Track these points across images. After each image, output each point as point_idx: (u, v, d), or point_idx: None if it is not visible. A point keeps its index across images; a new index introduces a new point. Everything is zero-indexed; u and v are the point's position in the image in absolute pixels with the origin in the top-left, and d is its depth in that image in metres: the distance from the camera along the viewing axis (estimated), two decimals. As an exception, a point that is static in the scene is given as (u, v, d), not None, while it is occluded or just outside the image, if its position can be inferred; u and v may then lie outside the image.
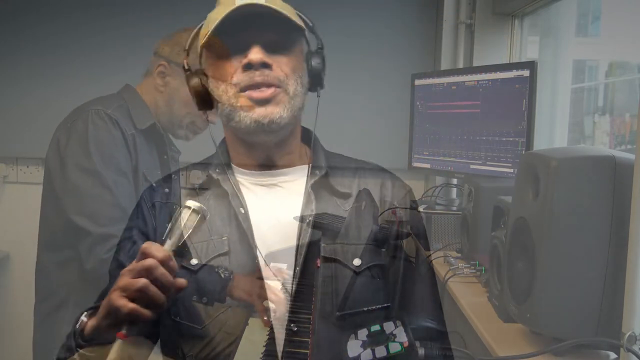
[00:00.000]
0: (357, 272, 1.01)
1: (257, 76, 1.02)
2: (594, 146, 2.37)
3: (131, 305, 0.86)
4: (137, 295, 0.86)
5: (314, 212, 1.05)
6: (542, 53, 2.33)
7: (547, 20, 2.27)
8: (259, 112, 1.01)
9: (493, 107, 1.91)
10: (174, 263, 0.88)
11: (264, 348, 0.98)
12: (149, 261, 0.87)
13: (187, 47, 1.12)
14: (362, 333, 0.98)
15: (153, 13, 2.33)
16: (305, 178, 1.08)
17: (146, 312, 0.87)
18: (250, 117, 1.01)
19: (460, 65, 2.30)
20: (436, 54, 2.42)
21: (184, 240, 0.91)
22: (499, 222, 1.43)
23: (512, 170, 1.81)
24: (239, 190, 1.07)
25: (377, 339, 0.98)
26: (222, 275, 1.05)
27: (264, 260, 1.02)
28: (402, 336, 0.98)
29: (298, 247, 1.02)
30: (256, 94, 1.02)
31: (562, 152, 1.23)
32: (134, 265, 0.89)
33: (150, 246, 0.89)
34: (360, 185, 1.09)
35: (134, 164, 1.68)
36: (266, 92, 1.02)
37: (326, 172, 1.07)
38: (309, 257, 1.02)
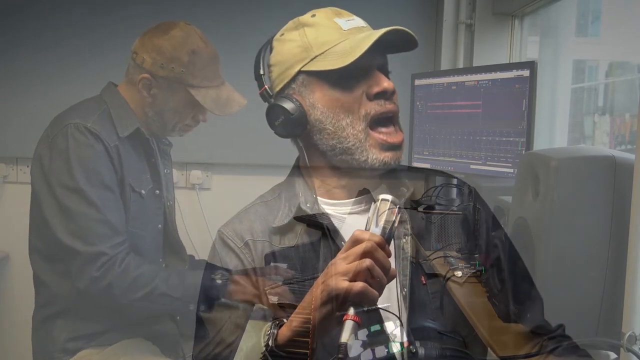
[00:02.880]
0: (460, 283, 1.01)
1: (389, 105, 1.02)
2: (594, 146, 2.37)
3: (361, 284, 0.83)
4: (362, 277, 0.84)
5: (409, 230, 1.04)
6: (542, 53, 2.33)
7: (547, 20, 2.27)
8: (390, 156, 1.01)
9: (493, 107, 1.91)
10: (388, 248, 0.87)
11: (264, 348, 0.98)
12: (369, 244, 0.85)
13: (262, 72, 1.08)
14: (362, 333, 0.98)
15: (152, 13, 2.33)
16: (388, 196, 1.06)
17: (375, 292, 0.85)
18: (380, 161, 1.00)
19: (460, 65, 2.30)
20: (436, 54, 2.42)
21: (390, 229, 0.89)
22: (499, 222, 1.43)
23: (512, 170, 1.81)
24: (333, 225, 1.04)
25: (377, 339, 0.98)
26: (220, 280, 1.05)
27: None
28: (402, 336, 0.98)
29: (401, 265, 1.01)
30: (392, 139, 1.01)
31: (562, 152, 1.23)
32: (349, 251, 0.86)
33: (363, 232, 0.87)
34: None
35: (119, 176, 1.64)
36: (399, 137, 1.02)
37: (413, 189, 1.09)
38: (414, 275, 1.01)
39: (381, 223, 0.88)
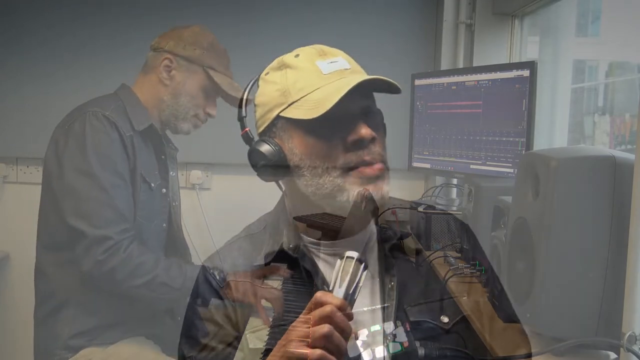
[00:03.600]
0: (446, 329, 0.99)
1: (366, 155, 0.97)
2: (594, 146, 2.37)
3: (319, 351, 0.82)
4: (320, 343, 0.83)
5: (395, 277, 1.02)
6: (542, 53, 2.33)
7: (547, 20, 2.27)
8: (371, 188, 0.96)
9: (493, 107, 1.91)
10: (350, 310, 0.85)
11: (264, 348, 0.98)
12: (329, 307, 0.83)
13: (244, 99, 1.06)
14: (362, 333, 0.98)
15: (151, 14, 2.33)
16: (376, 241, 1.05)
17: (333, 358, 0.83)
18: (361, 195, 0.96)
19: (460, 65, 2.30)
20: (436, 54, 2.42)
21: (353, 289, 0.87)
22: (499, 222, 1.43)
23: (512, 170, 1.81)
24: (317, 266, 1.03)
25: (377, 339, 0.98)
26: (217, 277, 1.04)
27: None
28: (402, 336, 0.98)
29: (384, 313, 0.99)
30: (369, 170, 0.97)
31: (562, 152, 1.23)
32: (309, 315, 0.85)
33: (325, 295, 0.85)
34: (427, 235, 1.07)
35: (131, 165, 1.68)
36: (378, 167, 0.98)
37: (401, 235, 1.04)
38: (400, 321, 0.99)
39: (345, 283, 0.86)
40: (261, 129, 1.04)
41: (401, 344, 0.97)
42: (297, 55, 1.02)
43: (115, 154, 1.65)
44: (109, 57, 2.32)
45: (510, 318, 1.09)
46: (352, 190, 0.97)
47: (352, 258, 0.88)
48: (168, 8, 2.34)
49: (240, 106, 1.08)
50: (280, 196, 1.10)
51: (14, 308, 2.49)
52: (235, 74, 1.85)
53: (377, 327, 0.98)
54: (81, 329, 1.70)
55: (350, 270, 0.87)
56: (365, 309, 1.00)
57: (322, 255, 1.04)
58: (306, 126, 0.98)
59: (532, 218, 1.14)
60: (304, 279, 1.01)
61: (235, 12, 2.37)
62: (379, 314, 1.00)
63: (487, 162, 1.93)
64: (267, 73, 1.04)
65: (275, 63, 1.04)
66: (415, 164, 2.26)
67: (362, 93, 0.99)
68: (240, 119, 1.07)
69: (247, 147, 1.05)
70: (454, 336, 1.00)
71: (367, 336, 0.98)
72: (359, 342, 0.97)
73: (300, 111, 0.97)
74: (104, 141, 1.64)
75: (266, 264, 1.05)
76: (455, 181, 2.29)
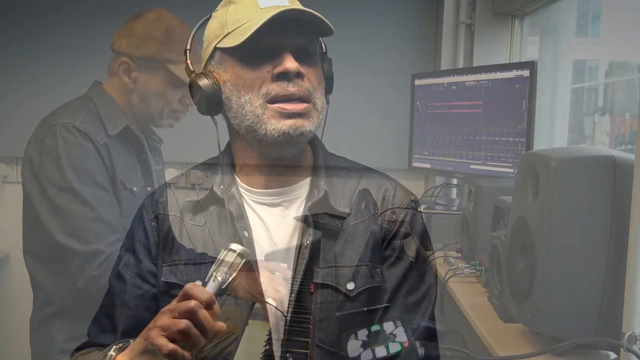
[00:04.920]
0: (349, 296, 0.98)
1: (291, 87, 0.97)
2: (594, 146, 2.37)
3: (171, 345, 0.83)
4: (177, 337, 0.84)
5: (311, 237, 1.01)
6: (542, 53, 2.33)
7: (547, 20, 2.27)
8: (290, 124, 0.96)
9: (493, 107, 1.91)
10: (217, 307, 0.86)
11: (264, 348, 0.98)
12: (192, 302, 0.84)
13: (188, 47, 1.07)
14: (362, 333, 0.98)
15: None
16: (304, 198, 1.04)
17: (186, 354, 0.84)
18: (278, 130, 0.96)
19: (460, 65, 2.30)
20: (436, 54, 2.42)
21: (228, 284, 0.88)
22: (499, 222, 1.43)
23: (512, 170, 1.81)
24: (244, 210, 1.03)
25: (377, 339, 0.98)
26: (220, 278, 1.04)
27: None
28: (402, 336, 0.98)
29: (295, 271, 0.99)
30: (290, 106, 0.97)
31: (562, 152, 1.23)
32: (176, 305, 0.86)
33: (194, 287, 0.86)
34: (360, 202, 1.04)
35: (110, 174, 1.62)
36: (300, 106, 0.97)
37: (325, 192, 1.02)
38: (305, 282, 0.99)
39: (220, 276, 0.87)
40: (203, 63, 1.06)
41: (401, 344, 0.97)
42: None
43: (92, 165, 1.59)
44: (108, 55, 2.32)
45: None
46: (270, 123, 0.97)
47: (234, 251, 0.89)
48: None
49: (187, 39, 1.09)
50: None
51: (14, 308, 2.49)
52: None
53: (377, 327, 0.98)
54: (77, 333, 1.68)
55: (230, 263, 0.88)
56: (277, 264, 1.00)
57: (250, 202, 1.05)
58: (237, 56, 0.99)
59: (532, 218, 1.14)
60: (228, 221, 1.02)
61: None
62: (289, 273, 1.00)
63: (487, 162, 1.93)
64: (216, 10, 1.07)
65: (224, 0, 1.06)
66: (415, 164, 2.26)
67: (295, 29, 0.99)
68: (185, 51, 1.08)
69: None
70: (355, 304, 0.98)
71: (367, 336, 0.98)
72: (359, 342, 0.97)
73: (230, 40, 0.99)
74: (79, 154, 1.58)
75: (198, 201, 1.06)
76: (455, 181, 2.29)
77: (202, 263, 1.00)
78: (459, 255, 1.81)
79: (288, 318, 0.97)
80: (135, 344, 0.90)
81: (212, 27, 1.04)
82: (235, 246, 0.90)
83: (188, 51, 1.09)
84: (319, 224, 1.02)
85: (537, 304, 1.11)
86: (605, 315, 1.06)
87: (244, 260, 0.89)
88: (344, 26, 2.34)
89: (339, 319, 0.97)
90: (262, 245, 1.02)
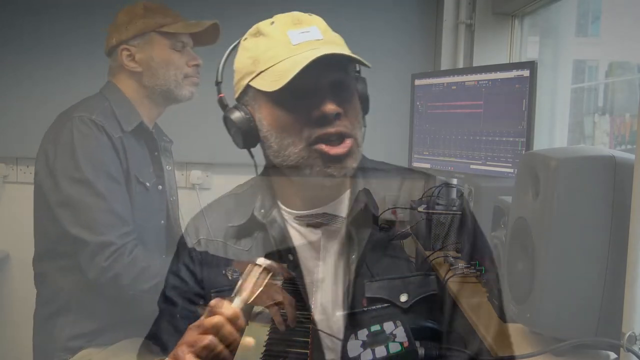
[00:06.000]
0: (403, 308, 0.98)
1: (330, 128, 0.97)
2: (594, 146, 2.37)
3: None
4: (203, 352, 0.84)
5: (357, 251, 1.01)
6: (542, 53, 2.33)
7: (547, 20, 2.27)
8: (335, 168, 0.97)
9: (493, 107, 1.90)
10: (242, 321, 0.86)
11: (264, 348, 0.98)
12: (216, 318, 0.85)
13: (219, 79, 1.07)
14: (362, 333, 0.98)
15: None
16: (346, 211, 1.04)
17: None
18: (324, 172, 0.97)
19: (460, 65, 2.30)
20: (436, 54, 2.42)
21: (254, 299, 0.88)
22: (499, 222, 1.43)
23: (512, 170, 1.81)
24: (288, 233, 1.03)
25: (377, 339, 0.98)
26: (230, 277, 1.05)
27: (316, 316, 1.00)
28: (402, 336, 0.98)
29: (347, 288, 0.99)
30: (333, 150, 0.97)
31: (562, 152, 1.23)
32: (202, 321, 0.86)
33: (219, 303, 0.86)
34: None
35: (124, 167, 1.65)
36: (342, 148, 0.97)
37: (365, 204, 1.03)
38: (357, 297, 0.99)
39: (246, 291, 0.88)
40: (236, 95, 1.05)
41: (401, 344, 0.97)
42: (272, 23, 1.02)
43: (106, 157, 1.62)
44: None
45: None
46: (316, 165, 0.97)
47: (260, 266, 0.89)
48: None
49: (218, 70, 1.09)
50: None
51: (14, 308, 2.49)
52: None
53: (377, 327, 0.98)
54: (80, 331, 1.69)
55: (256, 278, 0.88)
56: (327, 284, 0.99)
57: (292, 223, 1.05)
58: (273, 97, 0.98)
59: (532, 218, 1.14)
60: (272, 245, 1.03)
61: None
62: (340, 290, 1.00)
63: (487, 162, 1.93)
64: (246, 39, 1.04)
65: (253, 29, 1.04)
66: (415, 164, 2.26)
67: (330, 66, 0.97)
68: (217, 84, 1.07)
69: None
70: (410, 316, 0.98)
71: (367, 336, 0.98)
72: (359, 342, 0.97)
73: (265, 82, 0.97)
74: (94, 146, 1.62)
75: (240, 226, 1.07)
76: (455, 181, 2.29)
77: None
78: (459, 255, 1.80)
79: (342, 336, 0.97)
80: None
81: (243, 61, 1.02)
82: (262, 261, 0.90)
83: (220, 84, 1.07)
84: (364, 237, 1.02)
85: (537, 304, 1.11)
86: (605, 315, 1.06)
87: (269, 275, 0.89)
88: (344, 26, 2.34)
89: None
90: (309, 266, 1.01)
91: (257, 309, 1.00)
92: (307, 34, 1.00)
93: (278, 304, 0.96)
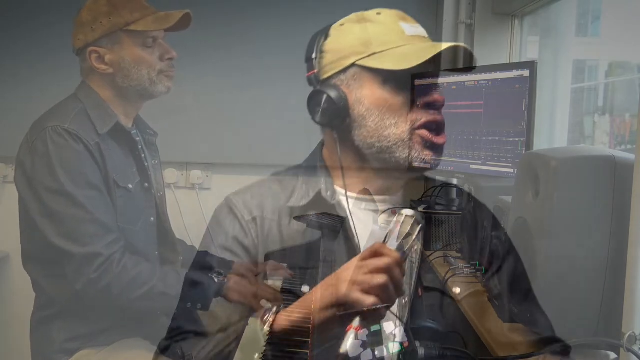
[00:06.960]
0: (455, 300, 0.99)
1: (439, 116, 1.02)
2: (594, 146, 2.37)
3: (372, 299, 0.83)
4: (375, 292, 0.83)
5: (417, 241, 1.02)
6: (542, 53, 2.33)
7: (547, 20, 2.27)
8: (432, 156, 1.00)
9: (493, 107, 1.90)
10: (404, 267, 0.86)
11: (264, 348, 0.98)
12: (389, 259, 0.84)
13: (314, 55, 1.07)
14: (362, 333, 0.98)
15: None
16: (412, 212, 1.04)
17: (383, 310, 0.84)
18: (420, 160, 1.00)
19: (460, 65, 2.30)
20: (436, 54, 2.42)
21: (409, 247, 0.87)
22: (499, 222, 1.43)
23: (512, 170, 1.81)
24: (351, 218, 1.03)
25: (377, 339, 0.98)
26: (216, 280, 1.04)
27: None
28: (402, 336, 0.98)
29: (411, 275, 1.00)
30: (437, 139, 1.01)
31: (562, 152, 1.23)
32: (370, 261, 0.85)
33: (384, 246, 0.85)
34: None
35: (103, 174, 1.62)
36: (443, 139, 1.02)
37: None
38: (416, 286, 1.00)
39: (400, 239, 0.86)
40: (327, 75, 1.05)
41: (401, 344, 0.97)
42: (378, 13, 1.05)
43: (84, 166, 1.60)
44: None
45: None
46: (415, 149, 1.00)
47: (411, 217, 0.88)
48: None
49: (310, 49, 1.08)
50: (314, 149, 1.12)
51: (14, 308, 2.48)
52: (238, 62, 1.75)
53: (377, 327, 0.98)
54: (77, 333, 1.69)
55: (408, 227, 0.87)
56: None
57: (354, 209, 1.05)
58: (383, 78, 1.01)
59: (532, 218, 1.14)
60: (332, 227, 1.02)
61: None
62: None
63: (487, 162, 1.93)
64: (343, 24, 1.06)
65: (353, 16, 1.07)
66: (415, 164, 2.25)
67: (438, 64, 1.04)
68: (309, 59, 1.07)
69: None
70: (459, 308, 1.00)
71: (367, 336, 0.98)
72: (359, 342, 0.97)
73: (384, 62, 1.00)
74: (71, 157, 1.59)
75: (302, 207, 1.05)
76: (455, 181, 2.29)
77: (307, 268, 0.99)
78: (459, 255, 1.81)
79: (401, 321, 0.98)
80: (308, 299, 0.88)
81: (349, 42, 1.04)
82: (409, 211, 0.89)
83: (313, 60, 1.07)
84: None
85: (537, 304, 1.11)
86: (605, 315, 1.06)
87: (420, 226, 0.89)
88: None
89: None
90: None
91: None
92: (416, 28, 1.07)
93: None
